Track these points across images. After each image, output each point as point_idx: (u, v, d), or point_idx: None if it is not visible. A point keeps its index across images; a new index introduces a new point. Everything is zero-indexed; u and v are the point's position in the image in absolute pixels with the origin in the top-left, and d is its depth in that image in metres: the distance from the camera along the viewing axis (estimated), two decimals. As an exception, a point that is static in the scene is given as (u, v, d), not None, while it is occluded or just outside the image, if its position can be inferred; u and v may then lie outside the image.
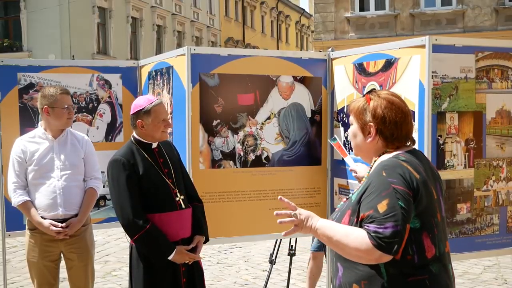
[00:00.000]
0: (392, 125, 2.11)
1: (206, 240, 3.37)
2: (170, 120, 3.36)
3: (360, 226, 1.99)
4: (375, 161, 2.16)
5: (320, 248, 4.86)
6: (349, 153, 3.92)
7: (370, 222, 1.94)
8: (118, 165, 3.14)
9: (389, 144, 2.13)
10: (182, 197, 3.26)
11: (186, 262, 3.20)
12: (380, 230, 1.91)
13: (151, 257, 3.16)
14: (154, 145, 3.28)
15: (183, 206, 3.24)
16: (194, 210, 3.33)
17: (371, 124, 2.12)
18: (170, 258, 3.12)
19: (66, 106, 3.68)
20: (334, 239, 2.01)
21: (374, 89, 2.24)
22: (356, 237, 1.95)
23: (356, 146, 2.21)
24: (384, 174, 2.00)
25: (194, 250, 3.24)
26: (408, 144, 2.18)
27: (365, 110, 2.14)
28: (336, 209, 2.22)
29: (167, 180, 3.23)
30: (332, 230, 2.03)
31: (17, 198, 3.68)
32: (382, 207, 1.94)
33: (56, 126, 3.73)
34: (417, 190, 1.99)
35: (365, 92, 2.20)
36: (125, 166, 3.13)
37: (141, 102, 3.22)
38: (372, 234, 1.92)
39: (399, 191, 1.95)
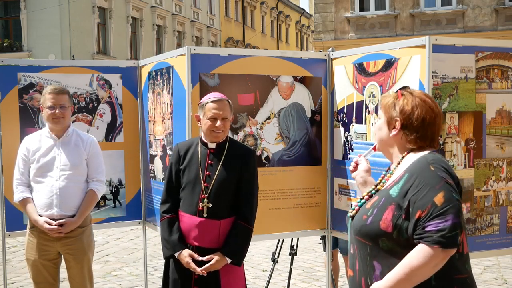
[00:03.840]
0: (419, 123, 2.10)
1: (235, 263, 3.12)
2: (224, 123, 3.09)
3: (415, 226, 1.94)
4: (402, 157, 2.14)
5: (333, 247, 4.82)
6: (349, 153, 3.92)
7: (430, 219, 1.91)
8: (173, 150, 3.30)
9: (412, 142, 2.13)
10: (209, 205, 3.09)
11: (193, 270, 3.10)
12: (441, 225, 1.89)
13: (162, 245, 3.23)
14: (211, 145, 3.17)
15: (204, 214, 3.09)
16: (233, 227, 3.13)
17: (397, 118, 2.13)
18: (176, 256, 3.14)
19: (49, 105, 3.63)
20: (407, 273, 1.91)
21: (408, 86, 2.22)
22: (420, 255, 1.90)
23: (379, 139, 2.21)
24: (432, 168, 2.00)
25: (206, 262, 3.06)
26: (430, 146, 2.15)
27: (394, 105, 2.14)
28: (365, 207, 2.11)
29: (202, 183, 3.12)
30: (398, 272, 1.93)
31: (17, 195, 3.72)
32: (439, 199, 1.92)
33: (49, 125, 3.73)
34: (459, 185, 2.04)
35: (396, 90, 2.18)
36: (175, 153, 3.25)
37: (205, 96, 3.23)
38: (435, 236, 1.89)
39: (451, 185, 1.97)
